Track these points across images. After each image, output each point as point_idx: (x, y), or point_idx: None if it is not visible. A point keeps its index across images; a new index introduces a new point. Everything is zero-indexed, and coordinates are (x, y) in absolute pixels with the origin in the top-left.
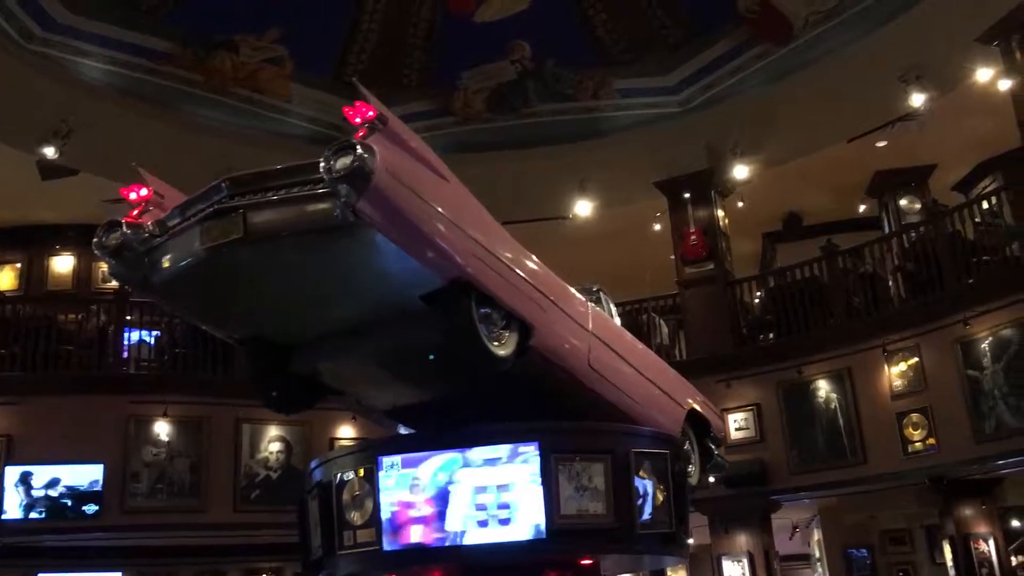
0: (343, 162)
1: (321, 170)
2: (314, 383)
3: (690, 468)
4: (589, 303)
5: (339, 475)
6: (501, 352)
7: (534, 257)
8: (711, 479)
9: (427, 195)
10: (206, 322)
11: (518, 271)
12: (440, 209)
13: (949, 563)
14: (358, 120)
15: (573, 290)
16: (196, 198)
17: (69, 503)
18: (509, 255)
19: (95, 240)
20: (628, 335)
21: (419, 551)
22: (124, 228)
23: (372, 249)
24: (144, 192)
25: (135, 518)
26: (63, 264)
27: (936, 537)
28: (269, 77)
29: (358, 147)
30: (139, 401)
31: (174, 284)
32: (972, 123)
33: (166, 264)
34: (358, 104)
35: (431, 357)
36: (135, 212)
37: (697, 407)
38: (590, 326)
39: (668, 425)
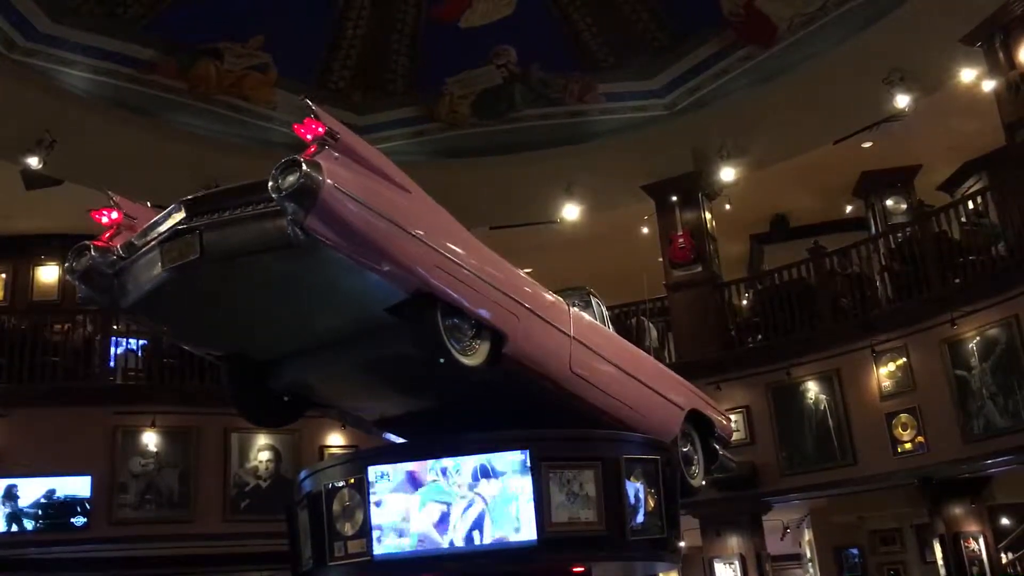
0: (290, 180)
1: (269, 188)
2: (296, 397)
3: (693, 469)
4: (573, 307)
5: (328, 486)
6: (469, 362)
7: (508, 265)
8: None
9: (382, 208)
10: (180, 341)
11: (488, 280)
12: (397, 221)
13: (939, 562)
14: (309, 137)
15: (552, 295)
16: (157, 220)
17: (56, 515)
18: (478, 264)
19: (66, 265)
20: (617, 338)
21: (410, 560)
22: (92, 252)
23: (330, 265)
24: (115, 215)
25: (123, 529)
26: (48, 274)
27: (926, 536)
28: (254, 84)
29: (303, 164)
30: (126, 412)
31: (142, 306)
32: (956, 123)
33: (132, 287)
34: (307, 121)
35: (409, 369)
36: (107, 235)
37: (698, 408)
38: (571, 331)
39: (665, 427)
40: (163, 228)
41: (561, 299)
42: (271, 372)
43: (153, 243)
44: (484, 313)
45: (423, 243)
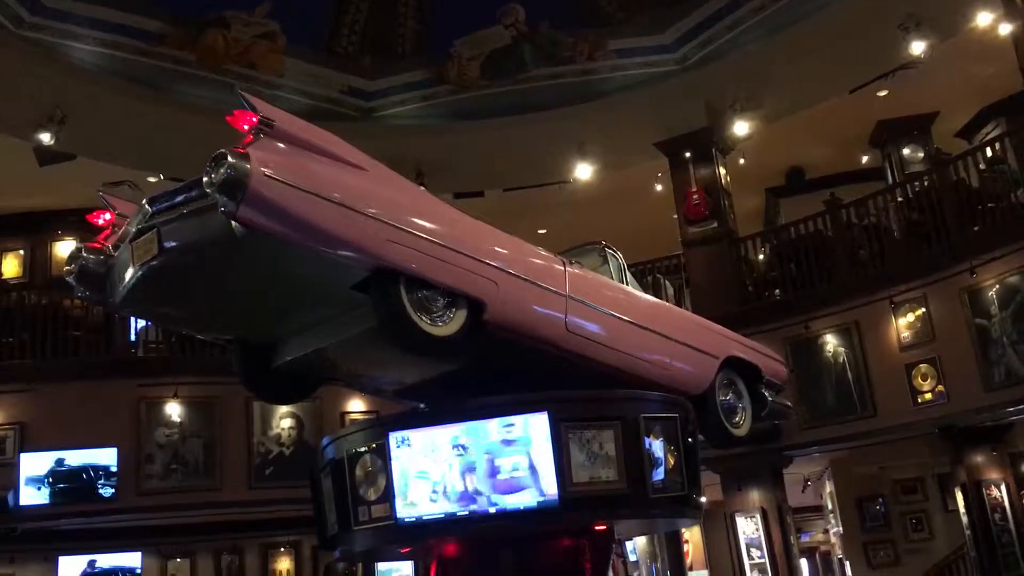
0: (219, 173)
1: (204, 183)
2: (306, 375)
3: (738, 418)
4: (571, 266)
5: (351, 452)
6: (442, 332)
7: (488, 229)
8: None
9: (324, 190)
10: (180, 328)
11: (459, 248)
12: (343, 202)
13: (962, 510)
14: (245, 127)
15: (543, 256)
16: (131, 219)
17: (85, 487)
18: (447, 233)
19: (65, 269)
20: (631, 292)
21: (433, 524)
22: (84, 253)
23: (282, 251)
24: (108, 216)
25: (151, 499)
26: (66, 249)
27: (948, 485)
28: (262, 53)
29: (229, 156)
30: (149, 384)
31: (130, 301)
32: (973, 69)
33: (118, 284)
34: (237, 112)
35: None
36: (103, 236)
37: (738, 354)
38: (567, 290)
39: (696, 379)
40: (130, 226)
41: (556, 258)
42: (276, 352)
43: (127, 241)
44: (454, 282)
45: (376, 219)
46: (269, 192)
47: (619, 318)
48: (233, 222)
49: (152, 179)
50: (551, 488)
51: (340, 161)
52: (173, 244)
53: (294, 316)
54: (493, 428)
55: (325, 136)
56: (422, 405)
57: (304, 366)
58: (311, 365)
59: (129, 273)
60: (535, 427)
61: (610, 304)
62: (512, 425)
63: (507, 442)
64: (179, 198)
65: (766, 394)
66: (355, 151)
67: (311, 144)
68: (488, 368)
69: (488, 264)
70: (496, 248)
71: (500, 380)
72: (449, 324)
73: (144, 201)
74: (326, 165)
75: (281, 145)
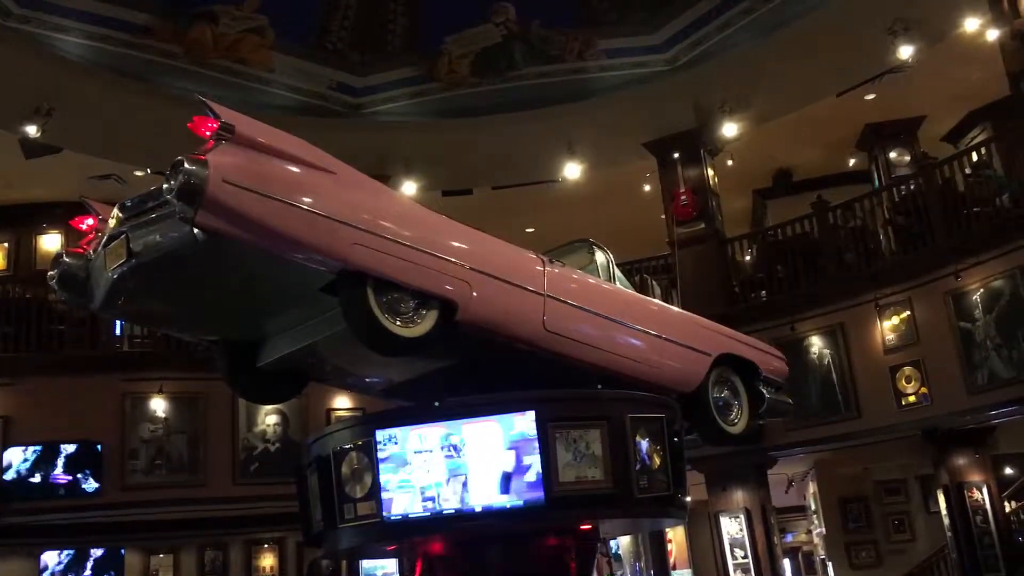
0: (177, 179)
1: (164, 190)
2: (291, 374)
3: (733, 416)
4: (551, 264)
5: (337, 449)
6: (412, 333)
7: (462, 229)
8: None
9: (288, 194)
10: (162, 330)
11: (429, 249)
12: (308, 204)
13: (944, 512)
14: (206, 133)
15: (521, 255)
16: (107, 223)
17: (68, 482)
18: (417, 234)
19: (48, 274)
20: (617, 290)
21: (419, 522)
22: (65, 259)
23: (250, 254)
24: (91, 221)
25: (135, 494)
26: (51, 242)
27: (930, 486)
28: (251, 47)
29: (186, 163)
30: (134, 378)
31: (107, 305)
32: (960, 73)
33: (94, 289)
34: (197, 119)
35: None
36: (85, 241)
37: (733, 351)
38: (545, 288)
39: (685, 377)
40: (105, 232)
41: (535, 256)
42: (260, 352)
43: (100, 247)
44: (424, 284)
45: (341, 222)
46: (227, 197)
47: (603, 316)
48: (192, 229)
49: (139, 173)
50: (538, 487)
51: (305, 165)
52: (141, 250)
53: (276, 316)
54: (480, 427)
55: (290, 140)
56: (410, 403)
57: (289, 365)
58: (296, 364)
59: (100, 278)
60: (522, 426)
61: (593, 302)
62: (497, 424)
63: (493, 440)
64: (147, 204)
65: (764, 391)
66: (322, 154)
67: (274, 149)
68: (477, 367)
69: (460, 265)
70: (469, 248)
71: (490, 379)
72: (420, 325)
73: (117, 206)
74: (290, 169)
75: (241, 150)
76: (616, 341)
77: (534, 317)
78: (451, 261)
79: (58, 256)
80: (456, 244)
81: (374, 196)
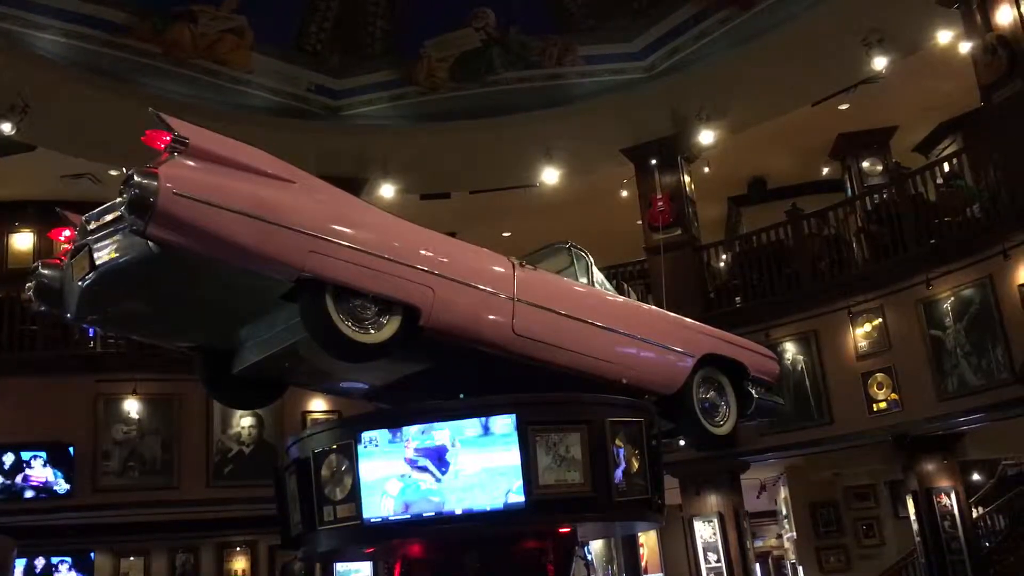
0: (128, 193)
1: (117, 203)
2: (270, 378)
3: (719, 417)
4: (522, 268)
5: (317, 451)
6: (373, 339)
7: (427, 235)
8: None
9: (241, 204)
10: (138, 338)
11: (390, 255)
12: (262, 214)
13: (912, 517)
14: (160, 146)
15: (490, 257)
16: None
17: (40, 484)
18: (377, 240)
19: (26, 286)
20: (594, 292)
21: (399, 525)
22: (40, 269)
23: (208, 265)
24: (68, 233)
25: (107, 497)
26: (23, 241)
27: (899, 492)
28: (229, 48)
29: (136, 176)
30: (107, 379)
31: (79, 315)
32: (933, 85)
33: (69, 298)
34: (151, 132)
35: None
36: (63, 252)
37: (718, 351)
38: (515, 292)
39: (667, 378)
40: (70, 244)
41: (504, 260)
42: (237, 358)
43: (69, 258)
44: (384, 290)
45: (298, 231)
46: (178, 209)
47: (577, 319)
48: (145, 241)
49: (114, 172)
50: (518, 490)
51: (262, 175)
52: (103, 261)
53: (246, 324)
54: (460, 430)
55: (247, 151)
56: (391, 406)
57: (265, 371)
58: (272, 370)
59: (70, 288)
60: (502, 429)
61: (567, 305)
62: (478, 427)
63: (474, 444)
64: (107, 216)
65: (753, 391)
66: (281, 164)
67: (230, 160)
68: (459, 370)
69: (422, 270)
70: (433, 253)
71: (472, 382)
72: (382, 331)
73: (84, 217)
74: (244, 180)
75: (194, 163)
76: (592, 343)
77: (502, 321)
78: (413, 267)
79: (34, 268)
80: (419, 249)
81: (334, 204)
